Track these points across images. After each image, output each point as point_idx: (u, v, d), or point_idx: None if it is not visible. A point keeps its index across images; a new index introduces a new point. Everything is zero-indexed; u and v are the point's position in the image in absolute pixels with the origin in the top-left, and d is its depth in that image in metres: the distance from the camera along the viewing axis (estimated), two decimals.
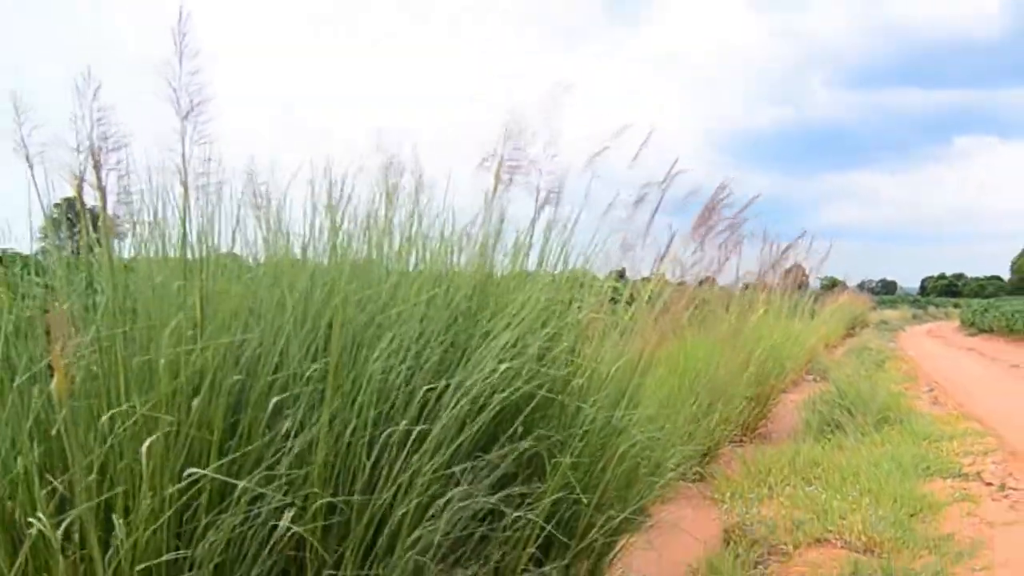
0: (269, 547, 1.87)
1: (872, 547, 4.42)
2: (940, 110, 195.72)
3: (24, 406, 1.76)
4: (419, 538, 2.03)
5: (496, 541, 2.29)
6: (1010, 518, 5.11)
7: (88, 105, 1.91)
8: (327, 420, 1.96)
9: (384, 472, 2.04)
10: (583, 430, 2.61)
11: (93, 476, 1.74)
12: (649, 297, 3.38)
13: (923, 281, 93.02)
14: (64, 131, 1.89)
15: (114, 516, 1.71)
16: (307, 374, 2.00)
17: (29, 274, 2.08)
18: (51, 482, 1.73)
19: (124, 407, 1.78)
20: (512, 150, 2.65)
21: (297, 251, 2.32)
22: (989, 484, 5.90)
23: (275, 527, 1.85)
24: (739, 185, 4.01)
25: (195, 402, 1.82)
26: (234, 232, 2.19)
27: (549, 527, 2.40)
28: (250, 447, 1.91)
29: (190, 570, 1.79)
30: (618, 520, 2.77)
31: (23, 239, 2.00)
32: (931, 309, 58.01)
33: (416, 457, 2.05)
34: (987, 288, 77.64)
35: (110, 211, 1.99)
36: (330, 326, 2.06)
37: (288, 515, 1.84)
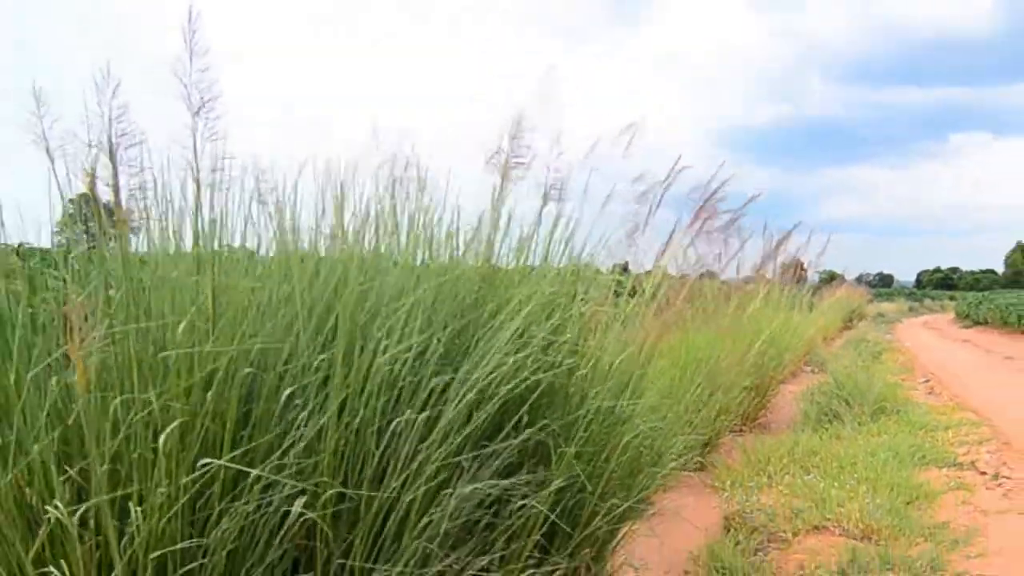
0: (280, 535, 1.86)
1: (869, 534, 4.41)
2: (936, 107, 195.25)
3: (41, 396, 1.76)
4: (427, 526, 2.02)
5: (502, 529, 2.28)
6: (1004, 506, 5.10)
7: (107, 102, 1.90)
8: (336, 410, 1.96)
9: (392, 461, 2.04)
10: (587, 420, 2.61)
11: (108, 466, 1.74)
12: (652, 292, 3.37)
13: (919, 274, 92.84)
14: (78, 127, 1.88)
15: (130, 504, 1.71)
16: (316, 364, 2.00)
17: (48, 267, 2.08)
18: (67, 471, 1.73)
19: (140, 398, 1.78)
20: (517, 146, 2.63)
21: (305, 245, 2.31)
22: (983, 473, 5.88)
23: (286, 516, 1.84)
24: (739, 181, 4.00)
25: (208, 395, 1.82)
26: (245, 227, 2.19)
27: (554, 515, 2.40)
28: (263, 438, 1.90)
29: (203, 557, 1.79)
30: (621, 508, 2.77)
31: (37, 233, 2.00)
32: (927, 302, 57.86)
33: (424, 446, 2.05)
34: (982, 281, 77.43)
35: (124, 206, 1.98)
36: (338, 318, 2.05)
37: (300, 502, 1.83)
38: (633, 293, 3.37)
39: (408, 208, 2.55)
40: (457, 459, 2.10)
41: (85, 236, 2.06)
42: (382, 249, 2.45)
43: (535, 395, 2.37)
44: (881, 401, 8.16)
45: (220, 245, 2.10)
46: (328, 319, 2.10)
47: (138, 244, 2.04)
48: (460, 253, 2.65)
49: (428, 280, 2.34)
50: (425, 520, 2.03)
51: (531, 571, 2.36)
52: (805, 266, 11.08)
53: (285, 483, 1.83)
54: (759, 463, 5.87)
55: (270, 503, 1.83)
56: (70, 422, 1.75)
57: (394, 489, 2.02)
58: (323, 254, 2.33)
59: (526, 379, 2.27)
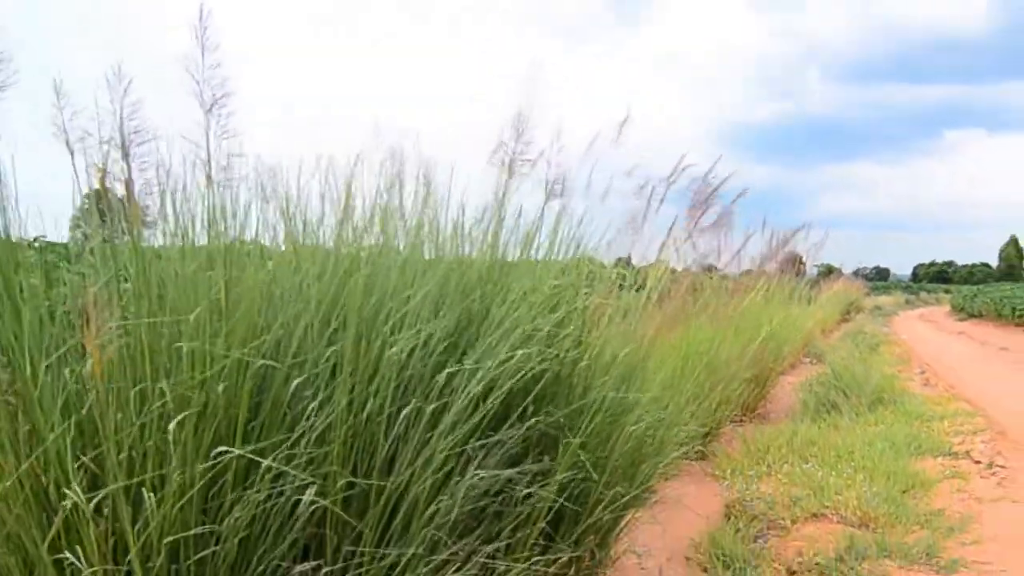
0: (291, 523, 1.86)
1: (867, 522, 4.40)
2: (931, 105, 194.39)
3: (57, 386, 1.75)
4: (435, 514, 2.02)
5: (509, 517, 2.27)
6: (998, 494, 5.08)
7: (118, 100, 1.89)
8: (345, 401, 1.95)
9: (401, 450, 2.03)
10: (592, 411, 2.60)
11: (125, 454, 1.73)
12: (653, 285, 3.36)
13: (915, 268, 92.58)
14: (91, 124, 1.87)
15: (144, 490, 1.70)
16: (326, 356, 1.99)
17: (65, 260, 2.08)
18: (82, 458, 1.72)
19: (154, 388, 1.77)
20: (522, 143, 2.62)
21: (313, 240, 2.30)
22: (978, 462, 5.86)
23: (297, 504, 1.84)
24: (739, 178, 3.99)
25: (219, 387, 1.81)
26: (257, 222, 2.19)
27: (560, 502, 2.39)
28: (273, 429, 1.90)
29: (216, 544, 1.79)
30: (625, 497, 2.76)
31: (48, 228, 2.00)
32: (923, 295, 57.67)
33: (432, 436, 2.04)
34: (976, 275, 77.15)
35: (137, 202, 1.98)
36: (346, 310, 2.04)
37: (311, 491, 1.83)
38: (637, 288, 3.36)
39: (414, 202, 2.54)
40: (464, 448, 2.09)
41: (100, 231, 2.05)
42: (389, 243, 2.44)
43: (539, 386, 2.36)
44: (878, 392, 8.14)
45: (232, 240, 2.09)
46: (336, 311, 2.09)
47: (152, 239, 2.04)
48: (466, 247, 2.64)
49: (435, 273, 2.33)
50: (433, 508, 2.02)
51: (536, 558, 2.35)
52: (803, 260, 11.04)
53: (296, 473, 1.83)
54: (759, 452, 5.86)
55: (281, 492, 1.83)
56: (84, 411, 1.74)
57: (403, 478, 2.01)
58: (331, 248, 2.32)
59: (532, 369, 2.26)
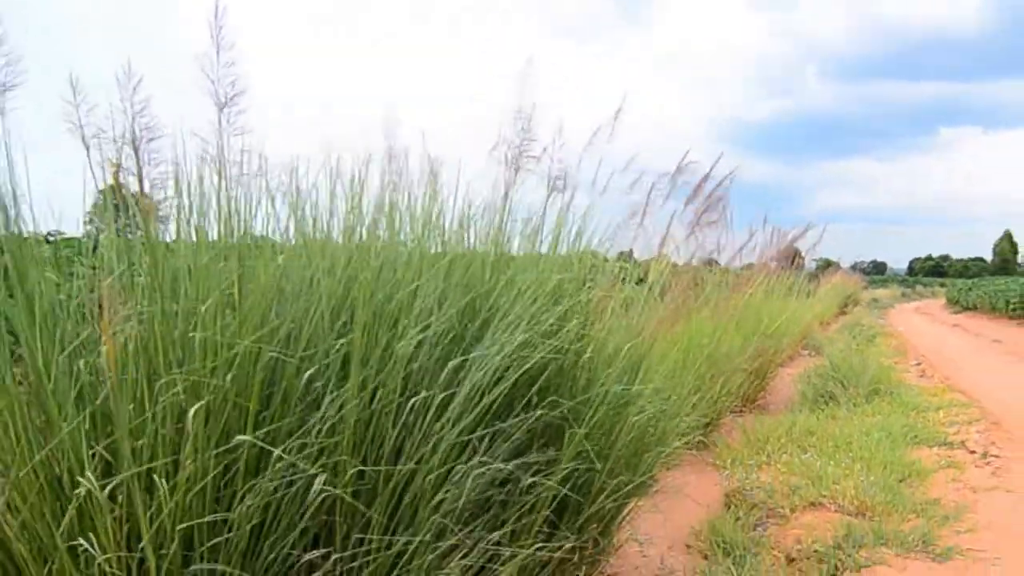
0: (302, 511, 1.85)
1: (864, 510, 4.38)
2: (927, 102, 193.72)
3: (71, 376, 1.75)
4: (441, 502, 2.01)
5: (515, 505, 2.27)
6: (992, 484, 5.05)
7: (129, 97, 1.88)
8: (355, 392, 1.94)
9: (408, 439, 2.03)
10: (596, 402, 2.59)
11: (138, 442, 1.73)
12: (655, 278, 3.35)
13: (911, 262, 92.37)
14: (105, 121, 1.86)
15: (155, 476, 1.70)
16: (337, 348, 1.98)
17: (79, 254, 2.07)
18: (95, 446, 1.72)
19: (168, 378, 1.76)
20: (526, 139, 2.61)
21: (322, 234, 2.29)
22: (973, 452, 5.84)
23: (307, 493, 1.83)
24: (738, 173, 3.98)
25: (230, 377, 1.81)
26: (266, 217, 2.18)
27: (564, 491, 2.38)
28: (285, 418, 1.89)
29: (228, 531, 1.78)
30: (628, 486, 2.75)
31: (65, 222, 1.99)
32: (919, 288, 57.58)
33: (439, 425, 2.03)
34: (971, 269, 76.96)
35: (150, 197, 1.97)
36: (355, 302, 2.03)
37: (321, 480, 1.82)
38: (639, 281, 3.35)
39: (421, 197, 2.52)
40: (470, 437, 2.08)
41: (114, 225, 2.04)
42: (397, 237, 2.43)
43: (544, 377, 2.35)
44: (875, 383, 8.11)
45: (243, 234, 2.08)
46: (346, 304, 2.08)
47: (165, 233, 2.03)
48: (472, 241, 2.63)
49: (441, 266, 2.32)
50: (440, 496, 2.01)
51: (541, 545, 2.34)
52: (802, 254, 11.00)
53: (306, 462, 1.82)
54: (758, 442, 5.84)
55: (292, 482, 1.82)
56: (99, 401, 1.74)
57: (410, 467, 2.01)
58: (340, 242, 2.31)
59: (538, 359, 2.25)
